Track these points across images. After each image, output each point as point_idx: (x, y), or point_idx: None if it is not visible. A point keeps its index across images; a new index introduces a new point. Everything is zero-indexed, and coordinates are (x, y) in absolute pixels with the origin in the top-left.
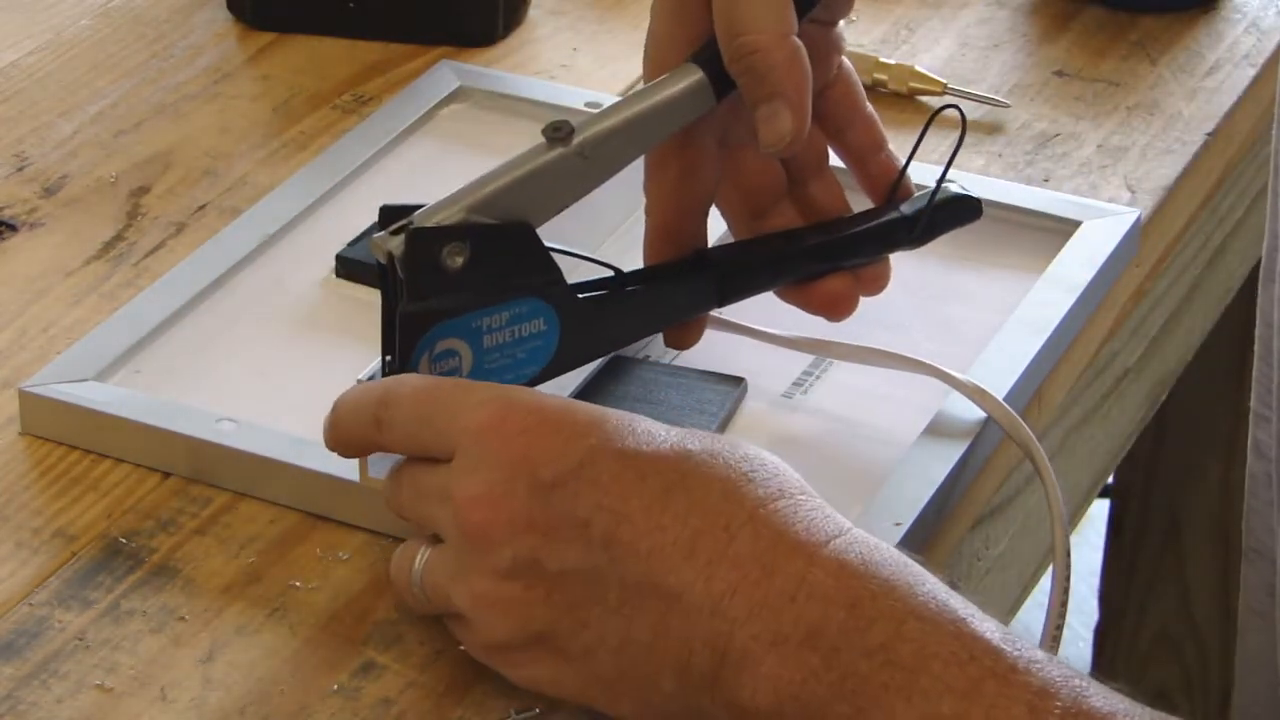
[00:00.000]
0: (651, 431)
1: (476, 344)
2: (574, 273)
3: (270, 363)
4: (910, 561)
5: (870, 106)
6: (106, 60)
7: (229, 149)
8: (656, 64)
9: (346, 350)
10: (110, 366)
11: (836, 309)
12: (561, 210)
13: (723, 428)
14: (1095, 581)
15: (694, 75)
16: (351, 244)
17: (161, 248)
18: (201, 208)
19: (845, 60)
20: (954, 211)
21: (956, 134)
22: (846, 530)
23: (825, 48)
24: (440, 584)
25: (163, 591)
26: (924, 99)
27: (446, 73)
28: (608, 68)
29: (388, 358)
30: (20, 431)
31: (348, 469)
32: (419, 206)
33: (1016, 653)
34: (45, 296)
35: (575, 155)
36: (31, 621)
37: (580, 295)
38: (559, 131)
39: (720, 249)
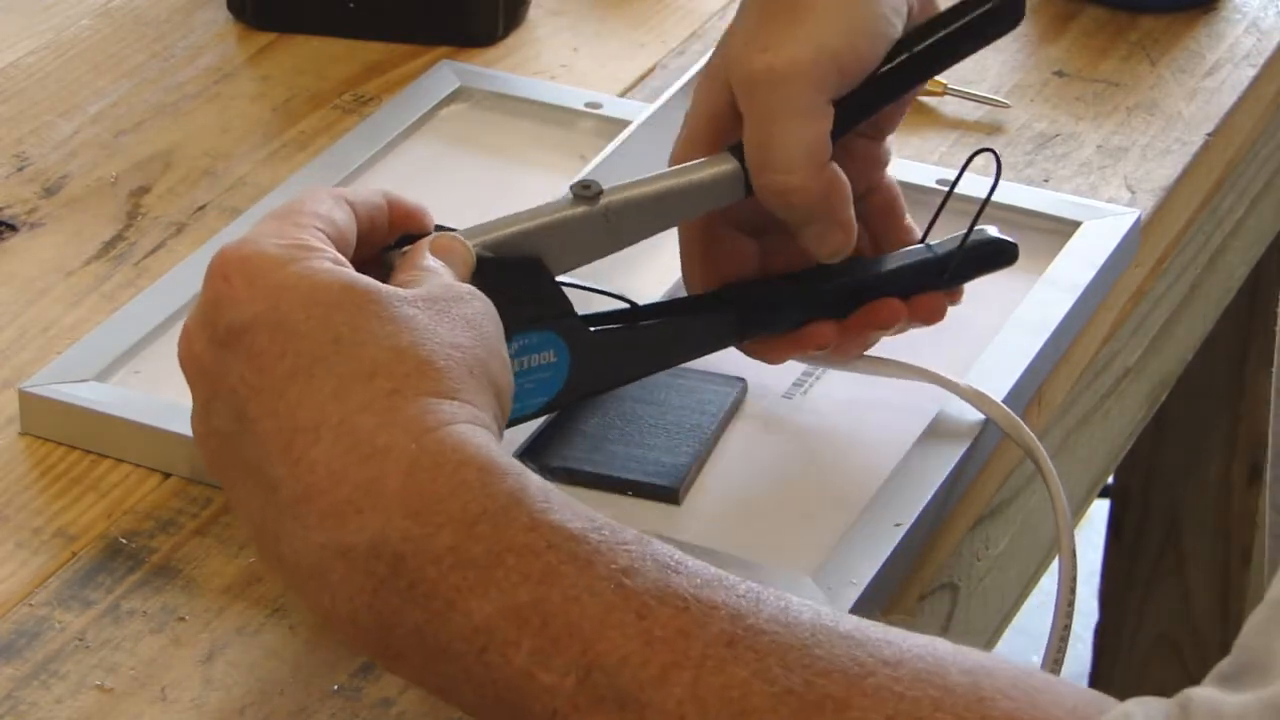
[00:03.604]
0: (318, 303)
1: None
2: (591, 304)
3: None
4: (493, 453)
5: (910, 221)
6: (106, 60)
7: (229, 149)
8: (680, 159)
9: None
10: (110, 366)
11: (884, 325)
12: (579, 265)
13: (723, 428)
14: (1095, 582)
15: (728, 165)
16: None
17: (161, 248)
18: (201, 208)
19: (889, 176)
20: (988, 255)
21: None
22: (437, 428)
23: (870, 161)
24: None
25: (163, 591)
26: (924, 99)
27: (446, 73)
28: (608, 68)
29: None
30: (20, 431)
31: None
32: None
33: (600, 538)
34: (45, 296)
35: (599, 215)
36: (31, 621)
37: (594, 328)
38: (587, 190)
39: (742, 284)
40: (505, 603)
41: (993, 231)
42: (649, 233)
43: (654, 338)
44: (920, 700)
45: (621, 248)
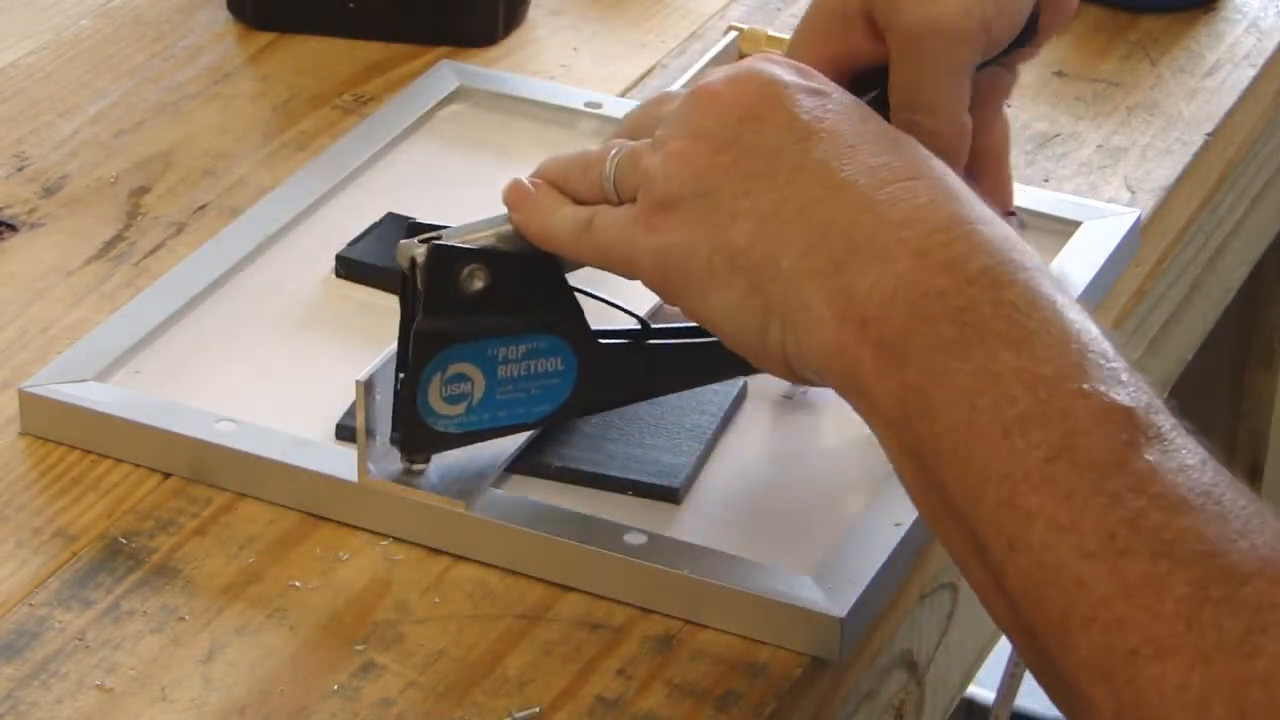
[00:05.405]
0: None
1: (490, 372)
2: (608, 318)
3: (270, 363)
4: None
5: (1010, 168)
6: (106, 60)
7: (229, 149)
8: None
9: (346, 350)
10: (110, 366)
11: None
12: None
13: (723, 428)
14: None
15: None
16: (351, 244)
17: (161, 248)
18: (201, 208)
19: (1004, 112)
20: None
21: None
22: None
23: (999, 87)
24: (638, 152)
25: (163, 591)
26: None
27: (446, 73)
28: (608, 68)
29: (401, 375)
30: (20, 431)
31: (348, 469)
32: (444, 227)
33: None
34: (45, 296)
35: None
36: (31, 621)
37: (605, 340)
38: None
39: None
40: (1034, 371)
41: None
42: None
43: (665, 359)
44: None
45: None
